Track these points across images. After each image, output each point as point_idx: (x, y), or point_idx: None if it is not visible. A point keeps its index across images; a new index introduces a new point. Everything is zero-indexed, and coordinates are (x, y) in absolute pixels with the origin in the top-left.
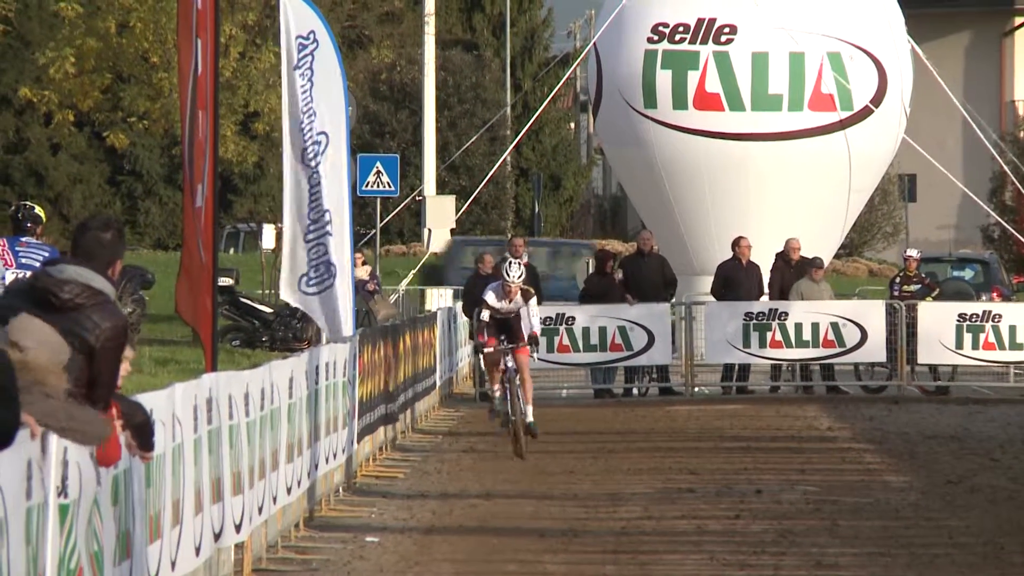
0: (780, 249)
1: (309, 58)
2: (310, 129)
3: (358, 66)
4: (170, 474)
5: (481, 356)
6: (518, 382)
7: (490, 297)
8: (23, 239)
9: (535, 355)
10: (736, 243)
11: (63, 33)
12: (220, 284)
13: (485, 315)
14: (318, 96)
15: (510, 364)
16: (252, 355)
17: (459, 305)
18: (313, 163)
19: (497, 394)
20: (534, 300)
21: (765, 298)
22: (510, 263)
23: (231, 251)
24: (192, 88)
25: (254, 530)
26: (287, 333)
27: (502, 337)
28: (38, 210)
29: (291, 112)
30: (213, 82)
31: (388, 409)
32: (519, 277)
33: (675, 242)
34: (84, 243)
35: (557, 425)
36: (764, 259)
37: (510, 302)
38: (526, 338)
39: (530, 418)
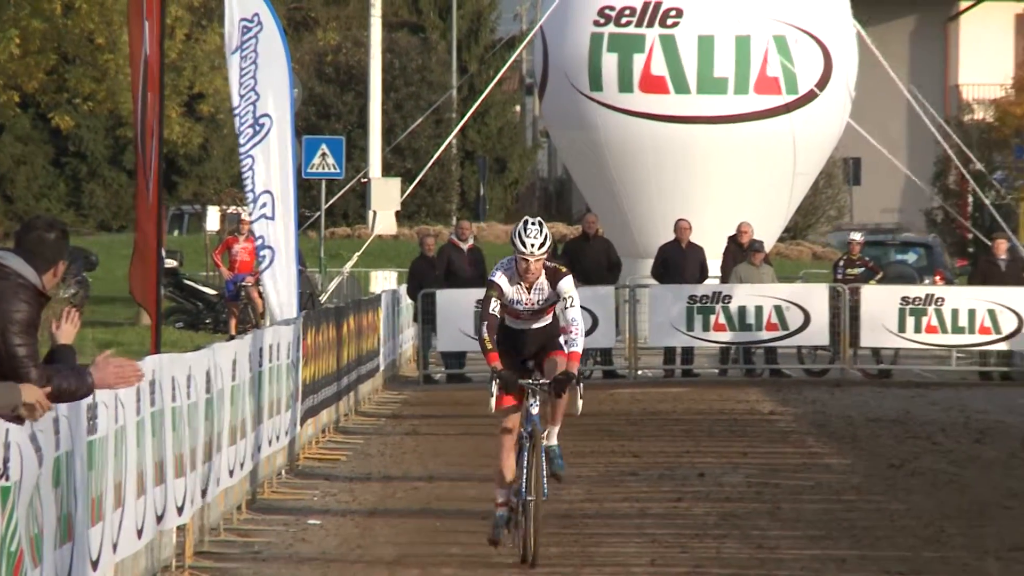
0: (730, 232)
1: (253, 40)
2: (249, 112)
3: (304, 48)
4: (112, 456)
5: (495, 386)
6: (542, 445)
7: (503, 283)
8: None
9: (580, 400)
10: (676, 225)
11: (8, 14)
12: (165, 266)
13: (494, 307)
14: (262, 78)
15: (533, 412)
16: (195, 337)
17: (403, 288)
18: (247, 147)
19: (500, 510)
20: (570, 283)
21: (711, 281)
22: (526, 223)
23: (175, 233)
24: (144, 70)
25: (196, 513)
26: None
27: (528, 364)
28: None
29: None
30: (159, 64)
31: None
32: (541, 247)
33: (620, 225)
34: (28, 242)
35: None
36: (709, 242)
37: (530, 289)
38: (564, 364)
39: (553, 440)
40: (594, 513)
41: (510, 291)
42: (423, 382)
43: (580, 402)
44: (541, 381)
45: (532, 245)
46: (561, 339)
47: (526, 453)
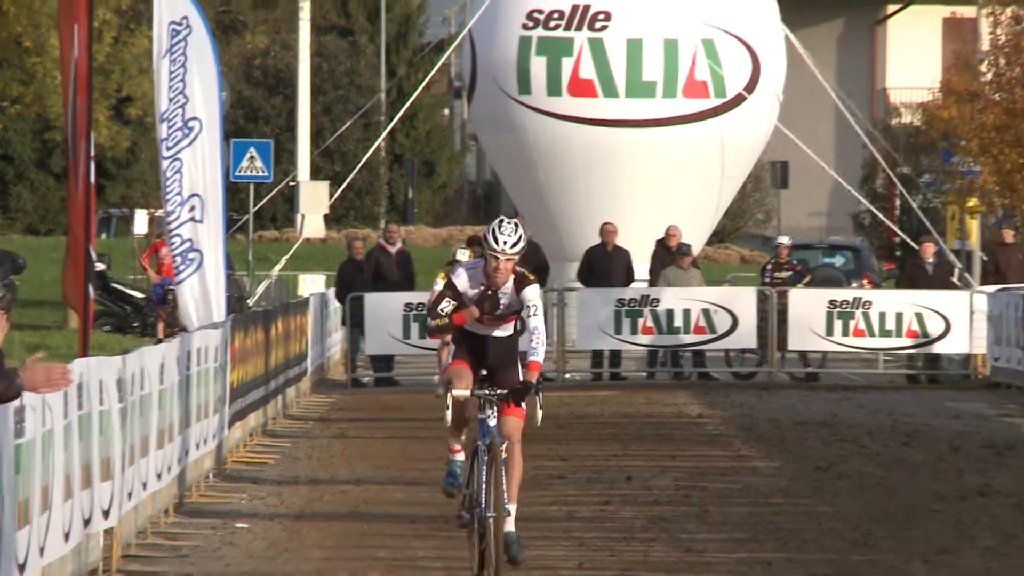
0: (658, 236)
1: (182, 43)
2: (178, 115)
3: (232, 51)
4: (40, 460)
5: (448, 395)
6: (501, 458)
7: (461, 282)
8: None
9: (539, 410)
10: (602, 228)
11: None
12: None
13: (444, 307)
14: (191, 81)
15: (491, 424)
16: (123, 340)
17: (332, 291)
18: (175, 150)
19: (457, 456)
20: (535, 292)
21: (639, 284)
22: (501, 222)
23: (103, 236)
24: (73, 74)
25: (124, 516)
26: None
27: (483, 373)
28: None
29: (157, 100)
30: (87, 67)
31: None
32: (515, 246)
33: (548, 228)
34: None
35: (428, 411)
36: (637, 245)
37: (494, 290)
38: (521, 377)
39: (511, 526)
40: (521, 516)
41: (470, 291)
42: (351, 386)
43: (540, 412)
44: (498, 391)
45: (504, 243)
46: (523, 347)
47: (484, 468)
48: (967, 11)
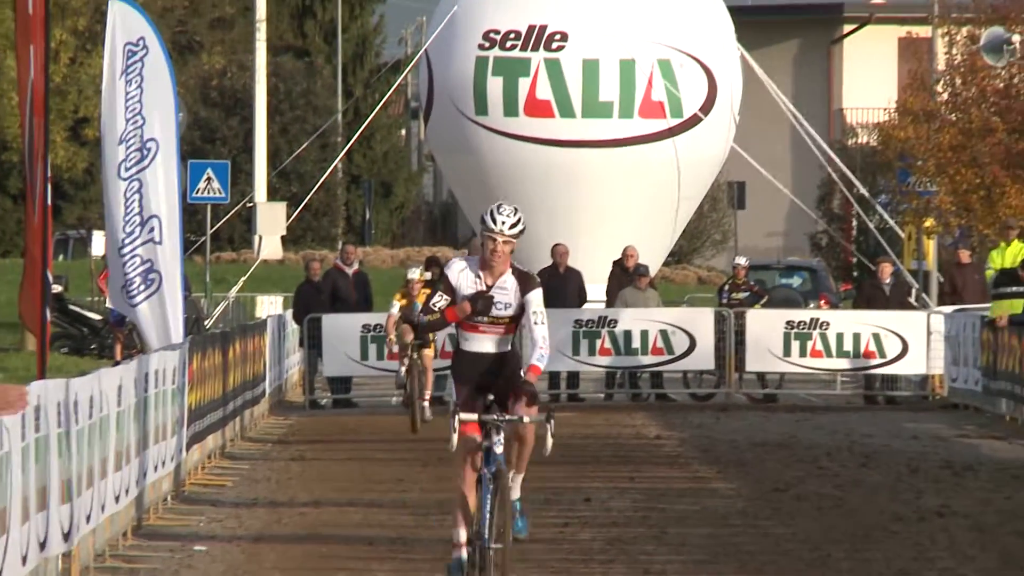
0: (615, 257)
1: (139, 64)
2: (136, 136)
3: (189, 72)
4: None
5: (456, 420)
6: (508, 487)
7: (462, 278)
8: None
9: (550, 438)
10: (553, 250)
11: None
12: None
13: (439, 303)
14: (148, 102)
15: (498, 451)
16: (81, 362)
17: (289, 313)
18: (133, 171)
19: (462, 553)
20: (540, 297)
21: (596, 305)
22: (499, 204)
23: (60, 257)
24: (30, 95)
25: (82, 539)
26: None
27: (489, 399)
28: None
29: (112, 121)
30: (43, 88)
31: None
32: (513, 227)
33: None
34: None
35: (386, 433)
36: (595, 266)
37: (492, 286)
38: (527, 390)
39: (516, 494)
40: None
41: (465, 286)
42: (309, 407)
43: (550, 441)
44: (506, 417)
45: (503, 223)
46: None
47: (489, 496)
48: (923, 31)
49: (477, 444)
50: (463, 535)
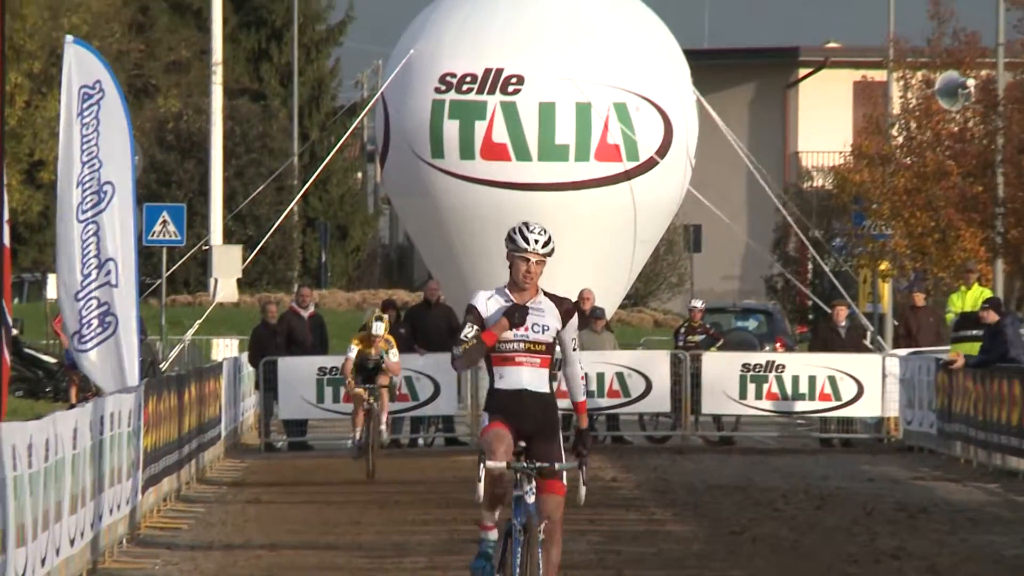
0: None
1: (95, 107)
2: (93, 179)
3: (145, 115)
4: None
5: (482, 469)
6: (539, 540)
7: (491, 304)
8: None
9: (583, 476)
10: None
11: None
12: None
13: (470, 332)
14: (104, 145)
15: (529, 501)
16: (36, 405)
17: (245, 355)
18: (90, 214)
19: (490, 534)
20: (575, 324)
21: None
22: (526, 223)
23: (15, 300)
24: None
25: None
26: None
27: (521, 445)
28: None
29: (68, 164)
30: None
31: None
32: (546, 245)
33: (462, 292)
34: None
35: (342, 475)
36: None
37: (523, 313)
38: (576, 434)
39: None
40: None
41: (494, 312)
42: (265, 450)
43: (583, 489)
44: (538, 464)
45: (536, 241)
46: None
47: (519, 548)
48: (878, 75)
49: (503, 476)
50: (490, 518)
